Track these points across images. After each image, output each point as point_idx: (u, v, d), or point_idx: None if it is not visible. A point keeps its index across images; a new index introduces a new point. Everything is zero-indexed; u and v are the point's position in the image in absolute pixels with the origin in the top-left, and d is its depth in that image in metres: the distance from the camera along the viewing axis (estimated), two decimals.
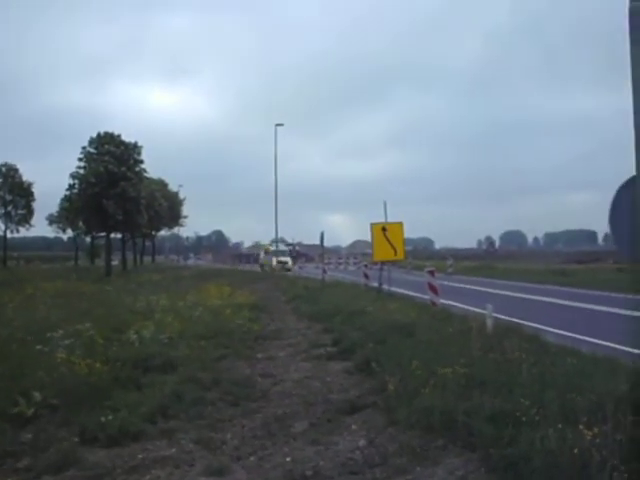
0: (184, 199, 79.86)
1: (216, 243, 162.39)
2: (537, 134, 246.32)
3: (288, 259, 61.30)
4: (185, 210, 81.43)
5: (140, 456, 5.66)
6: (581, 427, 4.62)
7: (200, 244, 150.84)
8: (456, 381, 6.84)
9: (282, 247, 67.26)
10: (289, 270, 53.91)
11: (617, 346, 9.19)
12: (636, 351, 6.76)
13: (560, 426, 4.76)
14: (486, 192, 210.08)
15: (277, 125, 55.61)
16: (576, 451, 4.31)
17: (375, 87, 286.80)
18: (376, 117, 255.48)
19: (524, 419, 5.25)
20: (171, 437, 6.20)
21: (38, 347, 8.92)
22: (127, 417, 6.41)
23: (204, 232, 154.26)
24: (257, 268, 62.88)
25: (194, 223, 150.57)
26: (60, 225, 78.51)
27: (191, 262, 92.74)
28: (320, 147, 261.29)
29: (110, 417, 6.31)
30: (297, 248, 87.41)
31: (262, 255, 66.44)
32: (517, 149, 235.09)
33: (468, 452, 5.28)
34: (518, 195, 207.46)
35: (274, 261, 57.41)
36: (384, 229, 19.88)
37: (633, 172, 4.95)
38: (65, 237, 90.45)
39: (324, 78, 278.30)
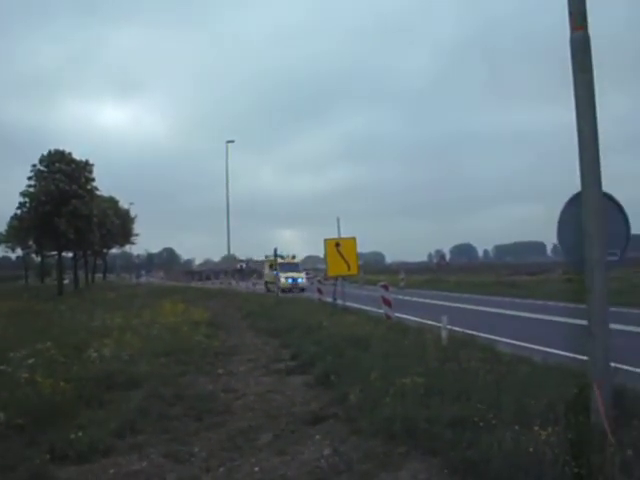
0: (135, 217, 79.13)
1: (167, 260, 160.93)
2: (484, 148, 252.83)
3: (302, 275, 48.72)
4: (136, 228, 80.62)
5: (112, 471, 5.75)
6: (536, 428, 4.92)
7: (151, 262, 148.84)
8: (415, 390, 7.08)
9: (287, 258, 49.56)
10: (303, 290, 42.71)
11: (564, 353, 9.56)
12: (581, 357, 7.10)
13: (516, 428, 5.06)
14: (436, 206, 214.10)
15: (228, 142, 54.97)
16: (531, 450, 4.61)
17: (324, 103, 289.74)
18: (326, 132, 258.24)
19: (482, 424, 5.52)
20: (140, 451, 6.30)
21: (1, 367, 8.89)
22: (96, 433, 6.49)
23: (155, 249, 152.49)
24: (210, 285, 60.14)
25: (145, 241, 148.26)
26: (9, 244, 76.76)
27: (143, 280, 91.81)
28: (271, 163, 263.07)
29: (79, 434, 6.37)
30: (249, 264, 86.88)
31: (266, 270, 52.44)
32: (465, 163, 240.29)
33: (430, 457, 5.51)
34: (468, 208, 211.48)
35: (283, 278, 43.22)
36: (337, 244, 20.16)
37: (578, 187, 5.35)
38: (14, 256, 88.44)
39: (274, 94, 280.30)
